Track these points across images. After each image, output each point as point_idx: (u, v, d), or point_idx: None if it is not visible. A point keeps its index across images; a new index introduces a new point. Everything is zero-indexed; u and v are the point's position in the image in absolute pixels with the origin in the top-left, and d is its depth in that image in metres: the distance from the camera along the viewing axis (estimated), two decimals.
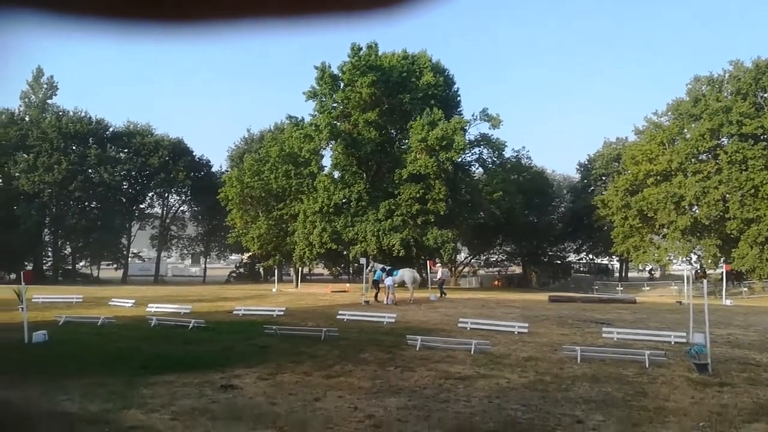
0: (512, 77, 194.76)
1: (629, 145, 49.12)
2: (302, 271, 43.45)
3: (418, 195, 36.16)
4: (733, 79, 40.23)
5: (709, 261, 40.42)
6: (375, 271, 26.27)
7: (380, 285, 25.33)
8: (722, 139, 39.18)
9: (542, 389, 9.00)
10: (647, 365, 10.69)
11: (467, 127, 39.72)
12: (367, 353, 11.92)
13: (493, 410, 7.74)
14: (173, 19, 0.88)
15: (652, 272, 57.72)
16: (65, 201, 51.73)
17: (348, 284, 40.07)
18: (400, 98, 38.19)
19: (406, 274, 26.61)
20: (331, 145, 38.25)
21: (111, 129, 55.11)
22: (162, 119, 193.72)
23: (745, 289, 40.78)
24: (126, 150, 54.93)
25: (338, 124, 38.70)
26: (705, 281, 13.31)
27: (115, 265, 58.00)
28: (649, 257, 43.50)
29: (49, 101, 53.84)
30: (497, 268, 67.33)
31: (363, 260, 27.84)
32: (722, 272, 31.73)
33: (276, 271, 41.42)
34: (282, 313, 19.29)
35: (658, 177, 40.84)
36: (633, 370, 10.45)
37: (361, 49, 38.37)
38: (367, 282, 27.06)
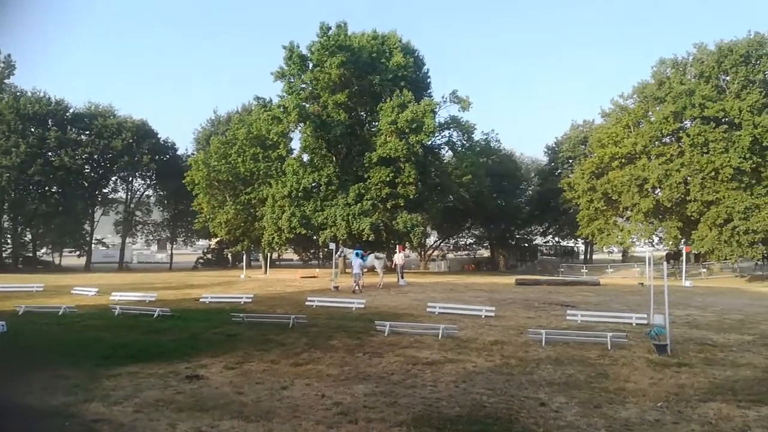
0: (481, 61, 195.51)
1: (595, 127, 49.80)
2: (271, 256, 43.15)
3: (387, 179, 36.09)
4: (696, 61, 40.88)
5: (671, 243, 41.46)
6: (352, 254, 26.28)
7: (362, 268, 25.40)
8: (685, 122, 39.87)
9: (507, 373, 9.15)
10: (609, 347, 10.98)
11: (437, 110, 39.73)
12: (336, 340, 11.92)
13: (460, 395, 7.83)
14: None
15: (626, 254, 58.71)
16: (24, 186, 50.10)
17: (317, 270, 40.07)
18: (370, 79, 37.82)
19: (375, 258, 26.72)
20: (300, 128, 37.75)
21: (71, 110, 53.33)
22: (125, 100, 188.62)
23: (704, 270, 42.18)
24: (87, 132, 53.29)
25: (307, 105, 38.17)
26: (665, 264, 13.65)
27: (77, 252, 56.63)
28: (612, 240, 44.39)
29: (6, 81, 51.75)
30: (466, 252, 68.11)
31: (332, 245, 27.81)
32: (682, 253, 32.68)
33: (244, 257, 41.07)
34: (250, 300, 19.16)
35: (623, 160, 41.51)
36: (596, 352, 10.72)
37: (330, 28, 37.83)
38: (337, 267, 27.07)
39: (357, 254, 25.91)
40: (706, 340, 12.21)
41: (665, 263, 13.72)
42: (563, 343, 11.48)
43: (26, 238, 54.69)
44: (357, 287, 23.35)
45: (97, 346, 11.23)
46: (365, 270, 27.26)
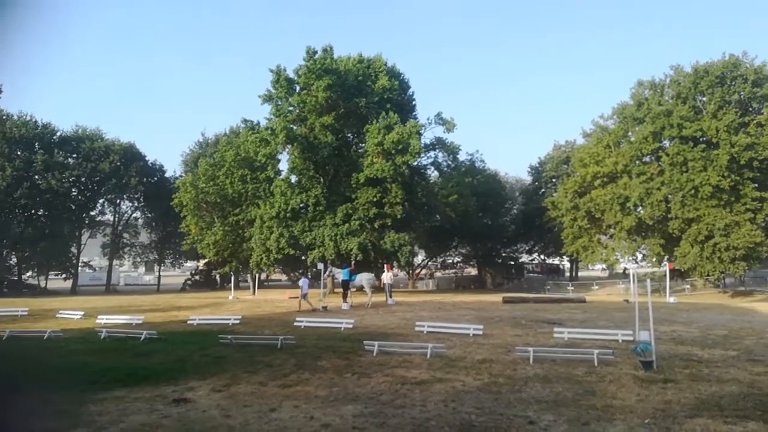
0: (464, 83, 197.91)
1: (577, 147, 50.52)
2: (259, 277, 42.91)
3: (375, 199, 36.25)
4: (673, 83, 41.71)
5: (654, 259, 41.89)
6: (341, 273, 26.33)
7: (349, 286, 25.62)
8: (664, 142, 40.53)
9: (496, 391, 9.19)
10: (596, 364, 11.06)
11: (422, 131, 40.10)
12: (324, 360, 11.90)
13: (449, 414, 7.86)
14: None
15: (625, 271, 58.72)
16: (10, 209, 49.61)
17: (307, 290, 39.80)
18: (356, 102, 38.17)
19: (364, 278, 26.72)
20: (287, 150, 37.93)
21: (59, 133, 53.16)
22: (112, 123, 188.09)
23: (688, 286, 42.60)
24: (75, 155, 53.05)
25: (294, 128, 38.37)
26: (649, 281, 13.82)
27: (64, 275, 55.85)
28: (597, 257, 44.79)
29: None
30: (453, 270, 68.16)
31: (321, 265, 27.79)
32: (665, 270, 33.00)
33: (232, 278, 40.82)
34: (238, 321, 19.05)
35: (605, 179, 42.08)
36: (583, 369, 10.79)
37: (316, 52, 38.24)
38: (325, 287, 27.02)
39: (344, 273, 25.98)
40: (692, 355, 12.33)
41: (648, 281, 13.87)
42: (551, 361, 11.55)
43: (11, 262, 53.90)
44: (344, 305, 23.60)
45: (83, 370, 11.11)
46: (354, 289, 27.29)
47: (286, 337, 14.08)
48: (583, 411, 7.95)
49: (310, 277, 29.79)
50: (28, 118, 51.24)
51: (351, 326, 17.14)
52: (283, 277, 64.83)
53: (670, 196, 38.90)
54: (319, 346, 13.80)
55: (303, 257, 39.04)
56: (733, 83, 39.21)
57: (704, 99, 40.08)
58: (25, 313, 23.09)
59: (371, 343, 12.93)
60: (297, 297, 25.89)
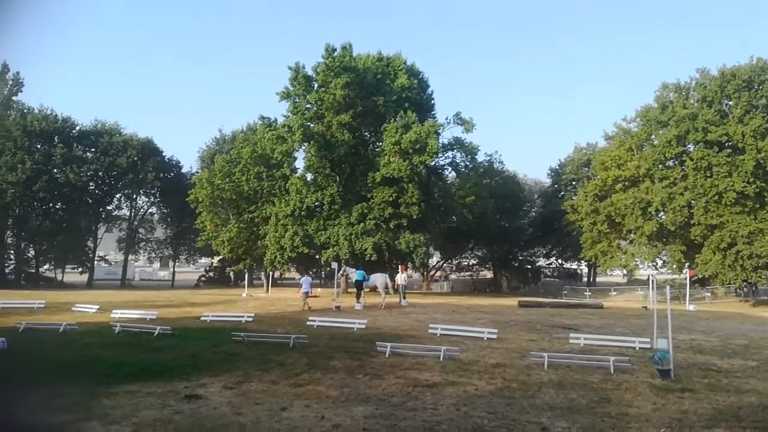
0: (485, 83, 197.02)
1: (599, 150, 49.94)
2: (273, 275, 43.06)
3: (391, 199, 36.15)
4: (699, 86, 41.08)
5: (674, 266, 41.26)
6: (355, 273, 26.29)
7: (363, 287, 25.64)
8: (688, 146, 39.93)
9: (509, 396, 9.06)
10: (612, 371, 10.88)
11: (441, 131, 39.93)
12: (336, 360, 11.85)
13: (461, 418, 7.76)
14: None
15: (650, 277, 58.18)
16: (29, 202, 50.30)
17: (319, 289, 39.89)
18: (374, 100, 38.10)
19: (377, 279, 26.64)
20: (304, 147, 38.01)
21: (78, 127, 53.78)
22: (131, 118, 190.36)
23: (708, 294, 41.88)
24: (93, 149, 53.69)
25: (311, 125, 38.45)
26: (668, 288, 13.57)
27: (80, 269, 56.59)
28: (616, 262, 44.23)
29: (14, 98, 52.30)
30: (469, 273, 67.83)
31: (335, 264, 27.76)
32: (686, 277, 32.49)
33: (246, 276, 41.00)
34: (251, 319, 19.08)
35: (627, 183, 41.53)
36: (598, 376, 10.62)
37: (335, 50, 38.29)
38: (339, 287, 27.00)
39: (359, 274, 25.96)
40: (710, 365, 12.10)
41: (668, 288, 13.63)
42: (566, 367, 11.39)
43: (29, 254, 54.74)
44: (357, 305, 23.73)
45: (97, 364, 11.18)
46: (367, 289, 27.22)
47: (299, 336, 14.07)
48: (598, 419, 7.81)
49: (312, 276, 29.73)
50: (49, 111, 51.98)
51: (364, 327, 17.08)
52: (297, 276, 65.07)
53: (693, 201, 38.27)
54: (332, 346, 13.76)
55: (317, 256, 39.08)
56: (761, 87, 38.49)
57: (730, 103, 39.41)
58: (42, 305, 23.36)
59: (384, 344, 12.86)
60: (311, 296, 25.95)
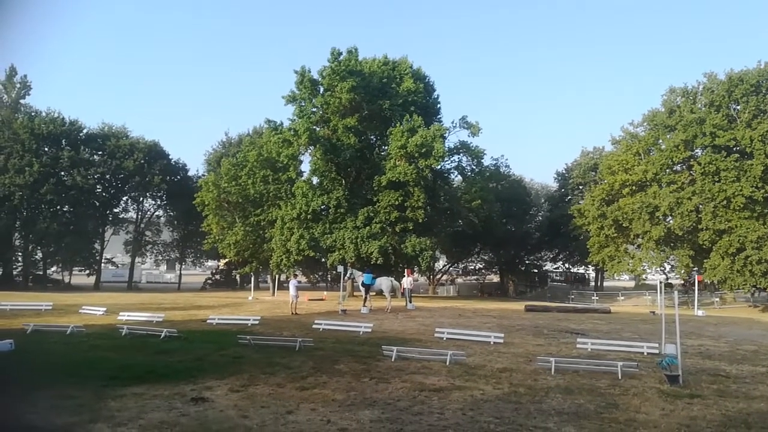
0: (491, 87, 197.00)
1: (606, 154, 49.72)
2: (279, 278, 43.15)
3: (396, 202, 36.13)
4: (706, 91, 40.85)
5: (682, 271, 40.99)
6: (362, 275, 26.26)
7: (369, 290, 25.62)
8: (696, 151, 39.69)
9: (516, 401, 9.01)
10: (620, 376, 10.80)
11: (447, 135, 39.89)
12: (342, 364, 11.82)
13: (467, 423, 7.71)
14: None
15: (667, 280, 57.40)
16: (36, 204, 50.66)
17: (325, 292, 39.93)
18: (380, 104, 38.13)
19: (383, 282, 26.61)
20: (310, 151, 38.06)
21: (85, 130, 54.22)
22: (138, 121, 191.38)
23: (717, 299, 41.57)
24: (100, 152, 54.07)
25: (317, 129, 38.51)
26: (676, 293, 13.49)
27: (87, 271, 56.94)
28: (623, 267, 43.97)
29: (21, 101, 52.74)
30: (475, 277, 67.74)
31: (341, 268, 27.75)
32: (695, 282, 32.25)
33: (252, 279, 41.05)
34: (257, 322, 19.10)
35: (634, 187, 41.32)
36: (606, 381, 10.54)
37: (341, 53, 38.36)
38: (345, 290, 26.98)
39: (366, 278, 25.91)
40: (719, 371, 11.99)
41: (676, 293, 13.54)
42: (573, 372, 11.31)
43: (37, 257, 55.11)
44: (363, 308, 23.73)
45: (104, 366, 11.20)
46: (373, 293, 27.19)
47: (305, 339, 14.05)
48: (605, 424, 7.74)
49: (298, 280, 29.74)
50: (56, 114, 52.38)
51: (370, 330, 17.05)
52: (303, 279, 65.17)
53: (701, 206, 38.04)
54: (338, 349, 13.74)
55: (323, 259, 39.08)
56: None
57: (738, 107, 39.16)
58: (50, 307, 23.48)
59: (390, 348, 12.82)
60: (316, 299, 25.94)
